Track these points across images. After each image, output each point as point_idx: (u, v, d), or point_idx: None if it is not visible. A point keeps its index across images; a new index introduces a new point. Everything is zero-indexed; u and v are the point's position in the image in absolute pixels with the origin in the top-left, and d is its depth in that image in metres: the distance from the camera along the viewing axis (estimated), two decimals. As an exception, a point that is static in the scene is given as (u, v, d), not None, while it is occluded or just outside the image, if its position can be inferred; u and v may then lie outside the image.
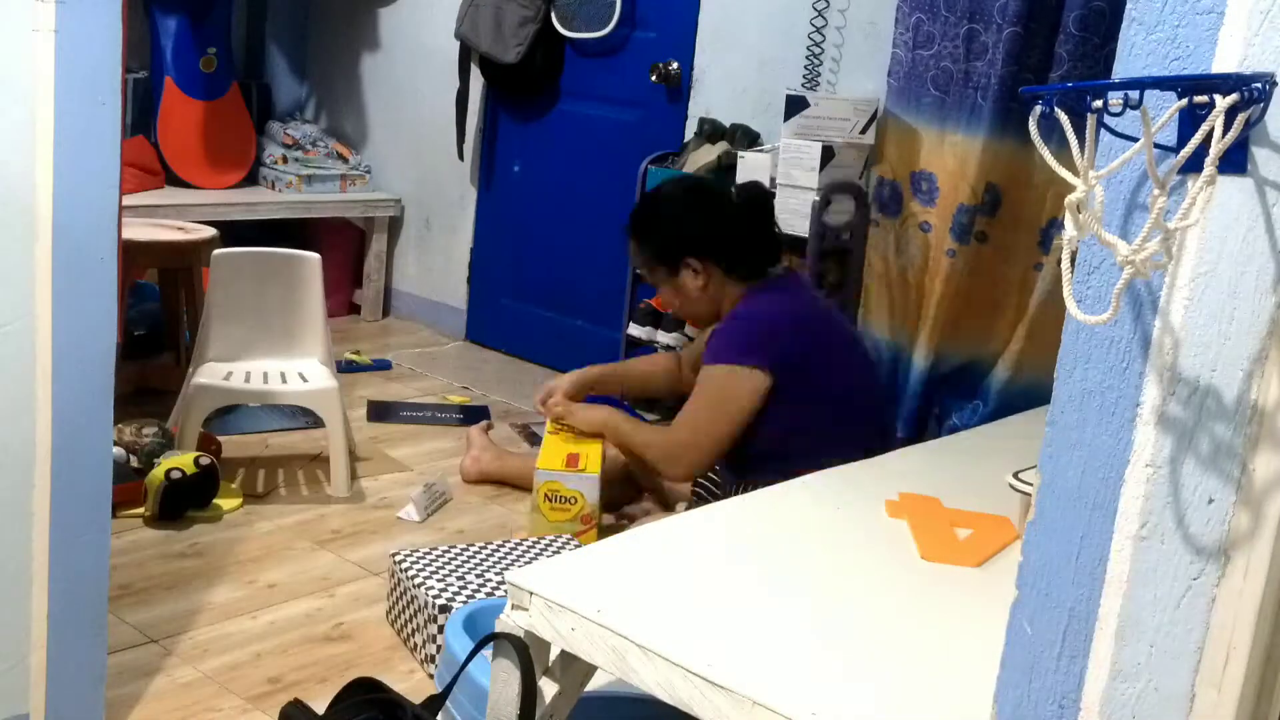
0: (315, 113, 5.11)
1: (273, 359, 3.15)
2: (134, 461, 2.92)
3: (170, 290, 3.71)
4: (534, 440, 3.65)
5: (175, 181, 4.51)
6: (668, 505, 2.92)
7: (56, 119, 1.61)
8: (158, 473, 2.77)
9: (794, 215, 3.21)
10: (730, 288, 2.65)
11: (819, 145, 3.13)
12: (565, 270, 4.35)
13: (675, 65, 3.94)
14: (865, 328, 3.29)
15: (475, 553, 2.49)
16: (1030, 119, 0.87)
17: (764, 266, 2.69)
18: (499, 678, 1.44)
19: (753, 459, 2.58)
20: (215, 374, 3.01)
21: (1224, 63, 0.88)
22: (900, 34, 3.14)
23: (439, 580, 2.31)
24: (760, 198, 2.79)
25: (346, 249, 4.85)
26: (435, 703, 1.61)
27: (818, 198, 3.15)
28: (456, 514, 3.05)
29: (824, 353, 2.62)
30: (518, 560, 2.48)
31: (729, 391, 2.54)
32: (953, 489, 1.95)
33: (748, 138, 3.58)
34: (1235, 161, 0.89)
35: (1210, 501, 0.93)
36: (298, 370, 3.12)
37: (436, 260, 4.81)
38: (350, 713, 1.61)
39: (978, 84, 3.04)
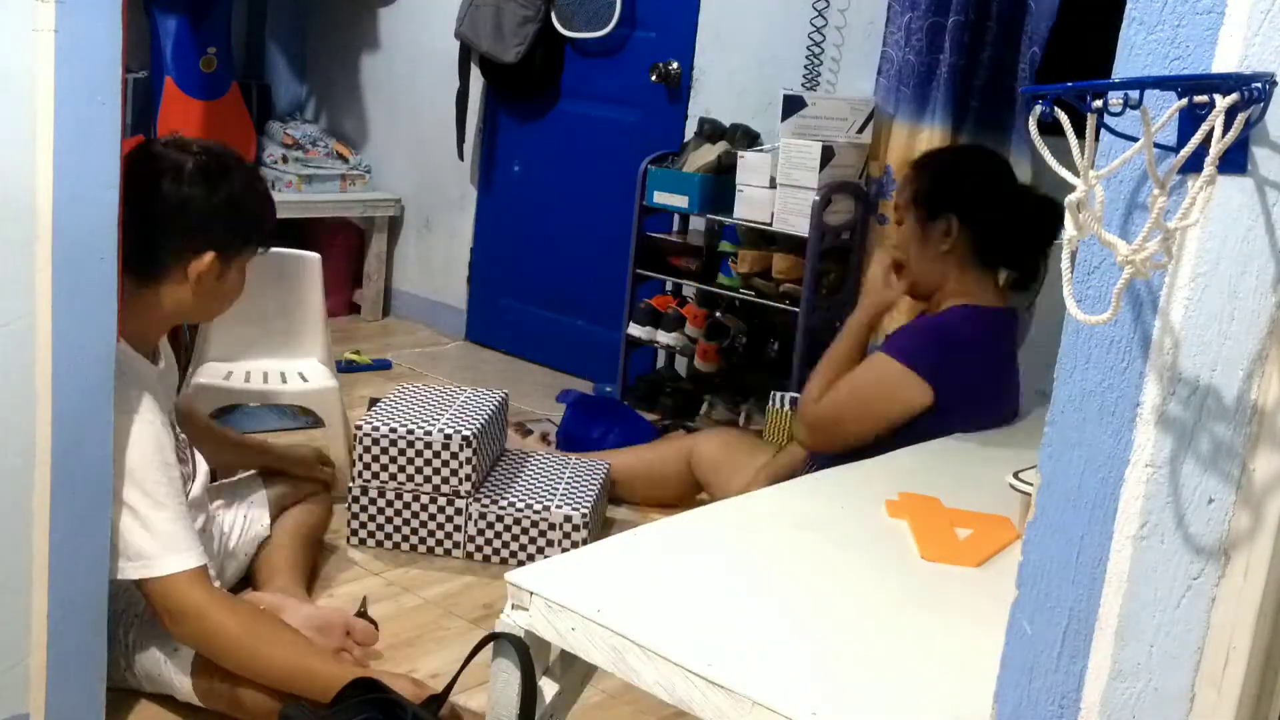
0: (315, 113, 5.10)
1: (273, 359, 3.15)
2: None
3: (170, 290, 3.70)
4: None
5: (175, 181, 4.50)
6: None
7: (56, 119, 1.61)
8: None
9: (794, 215, 3.21)
10: (962, 273, 2.46)
11: (819, 145, 3.13)
12: (565, 270, 4.35)
13: (675, 65, 3.94)
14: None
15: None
16: (1030, 119, 0.87)
17: (1007, 265, 2.52)
18: (499, 678, 1.44)
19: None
20: (215, 374, 3.01)
21: (1224, 62, 0.88)
22: (891, 33, 3.15)
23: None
24: (1052, 216, 2.45)
25: (346, 249, 4.85)
26: (435, 702, 1.61)
27: (818, 197, 3.15)
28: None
29: (993, 399, 2.47)
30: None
31: (889, 387, 2.38)
32: (953, 489, 1.95)
33: (748, 138, 3.58)
34: (1235, 161, 0.89)
35: (1210, 501, 0.93)
36: (298, 370, 3.12)
37: (436, 260, 4.81)
38: (350, 713, 1.61)
39: (941, 78, 3.06)
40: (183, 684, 2.00)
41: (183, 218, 1.97)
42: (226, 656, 1.91)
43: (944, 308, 2.49)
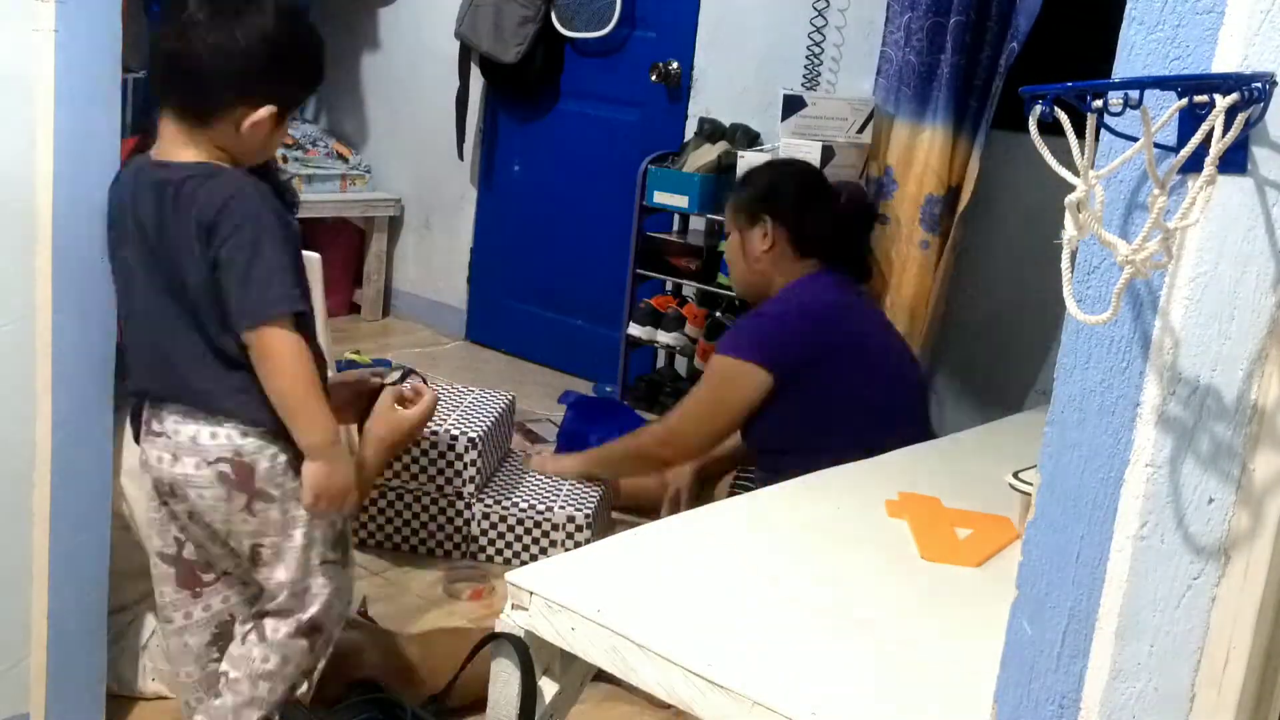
0: (315, 113, 5.10)
1: (273, 359, 3.14)
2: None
3: (170, 290, 3.70)
4: (533, 439, 3.65)
5: (175, 181, 4.50)
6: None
7: (56, 119, 1.61)
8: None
9: (794, 215, 3.20)
10: (787, 266, 2.63)
11: (819, 145, 3.13)
12: (565, 270, 4.35)
13: (675, 65, 3.94)
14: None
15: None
16: (1030, 118, 0.87)
17: (826, 255, 2.66)
18: (499, 678, 1.44)
19: (772, 455, 2.59)
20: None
21: (1224, 62, 0.88)
22: (891, 33, 3.15)
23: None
24: (865, 205, 2.85)
25: (346, 249, 4.85)
26: (435, 702, 1.61)
27: (817, 197, 3.15)
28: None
29: (837, 355, 2.56)
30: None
31: (728, 383, 2.55)
32: (953, 489, 1.95)
33: (747, 137, 3.58)
34: (1235, 161, 0.89)
35: (1210, 501, 0.93)
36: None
37: (436, 260, 4.81)
38: (350, 713, 1.61)
39: (941, 77, 3.07)
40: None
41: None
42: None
43: (779, 290, 2.66)
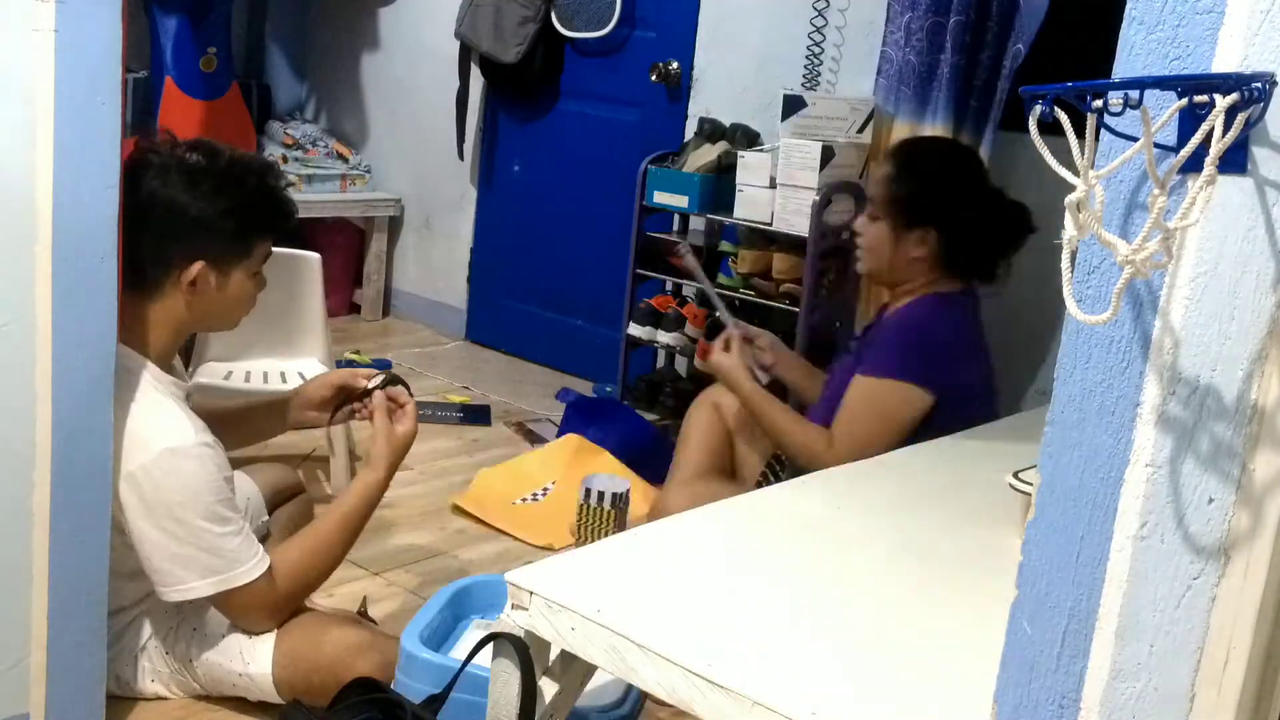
0: (315, 113, 5.10)
1: (272, 359, 3.15)
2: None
3: (170, 290, 3.70)
4: (532, 439, 3.65)
5: (175, 181, 4.50)
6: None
7: (56, 119, 1.61)
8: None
9: (794, 215, 3.21)
10: (931, 276, 2.48)
11: (819, 145, 3.13)
12: (565, 270, 4.35)
13: (675, 65, 3.94)
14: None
15: None
16: (1030, 118, 0.87)
17: (975, 275, 2.55)
18: (499, 678, 1.44)
19: None
20: (215, 374, 3.02)
21: (1224, 62, 0.88)
22: (891, 33, 3.15)
23: None
24: (1024, 222, 2.58)
25: (346, 249, 4.85)
26: (435, 702, 1.61)
27: (818, 197, 3.15)
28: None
29: (982, 382, 2.53)
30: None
31: (893, 408, 2.40)
32: (953, 489, 1.95)
33: (748, 137, 3.58)
34: (1235, 161, 0.89)
35: (1210, 501, 0.93)
36: (297, 370, 3.12)
37: (436, 260, 4.81)
38: (350, 713, 1.61)
39: (941, 77, 3.07)
40: (263, 684, 2.01)
41: (167, 224, 1.88)
42: (308, 590, 2.06)
43: (905, 301, 2.51)
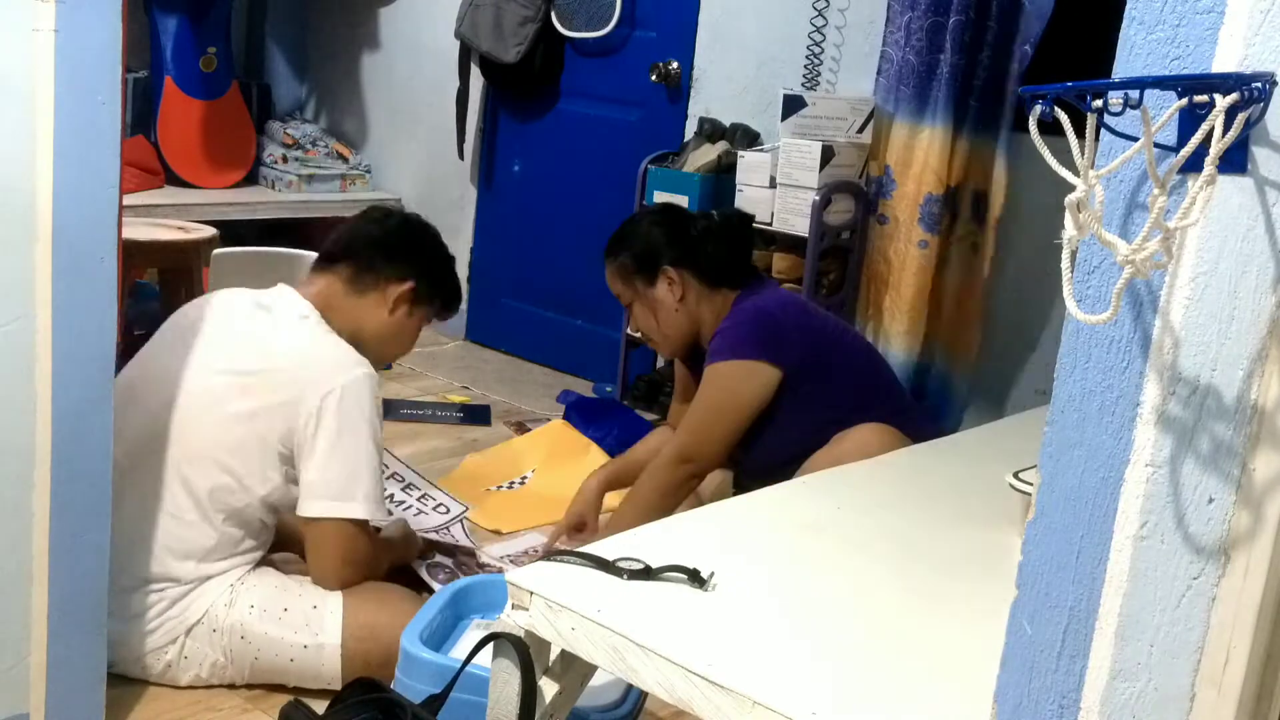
0: (315, 112, 5.11)
1: (273, 359, 3.15)
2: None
3: (170, 290, 3.71)
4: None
5: (175, 181, 4.50)
6: None
7: (56, 119, 1.61)
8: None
9: (794, 215, 3.21)
10: (711, 299, 2.64)
11: (819, 145, 3.13)
12: (565, 270, 4.35)
13: (675, 65, 3.94)
14: (865, 325, 3.31)
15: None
16: (1030, 118, 0.87)
17: (741, 278, 2.68)
18: (499, 678, 1.44)
19: (783, 467, 2.47)
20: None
21: (1224, 62, 0.88)
22: (891, 33, 3.16)
23: None
24: (739, 215, 2.81)
25: (347, 249, 4.84)
26: (435, 702, 1.61)
27: (818, 197, 3.15)
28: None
29: (829, 342, 2.62)
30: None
31: (734, 387, 2.52)
32: (953, 489, 1.95)
33: (748, 137, 3.58)
34: (1235, 161, 0.89)
35: (1210, 501, 0.93)
36: (298, 370, 3.12)
37: (436, 260, 4.81)
38: (350, 713, 1.61)
39: (941, 77, 3.07)
40: (329, 657, 2.07)
41: (404, 251, 2.31)
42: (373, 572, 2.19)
43: (719, 315, 2.63)
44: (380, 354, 2.29)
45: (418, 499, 2.78)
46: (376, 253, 2.27)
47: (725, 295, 2.65)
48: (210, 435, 2.07)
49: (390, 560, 2.30)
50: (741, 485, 2.72)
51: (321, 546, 2.11)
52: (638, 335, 2.81)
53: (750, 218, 2.88)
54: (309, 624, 2.07)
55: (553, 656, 1.47)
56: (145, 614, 2.04)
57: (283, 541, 2.31)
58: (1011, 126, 3.08)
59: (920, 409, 2.98)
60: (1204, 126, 0.85)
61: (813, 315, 2.70)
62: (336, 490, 2.06)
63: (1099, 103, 0.85)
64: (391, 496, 2.73)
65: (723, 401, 2.53)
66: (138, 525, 2.04)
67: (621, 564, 1.48)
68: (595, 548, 1.58)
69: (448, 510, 2.75)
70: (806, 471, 2.40)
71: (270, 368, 2.10)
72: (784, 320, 2.59)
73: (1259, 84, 0.86)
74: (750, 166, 3.33)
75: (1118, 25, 0.93)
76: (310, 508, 2.07)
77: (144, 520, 2.05)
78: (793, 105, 3.23)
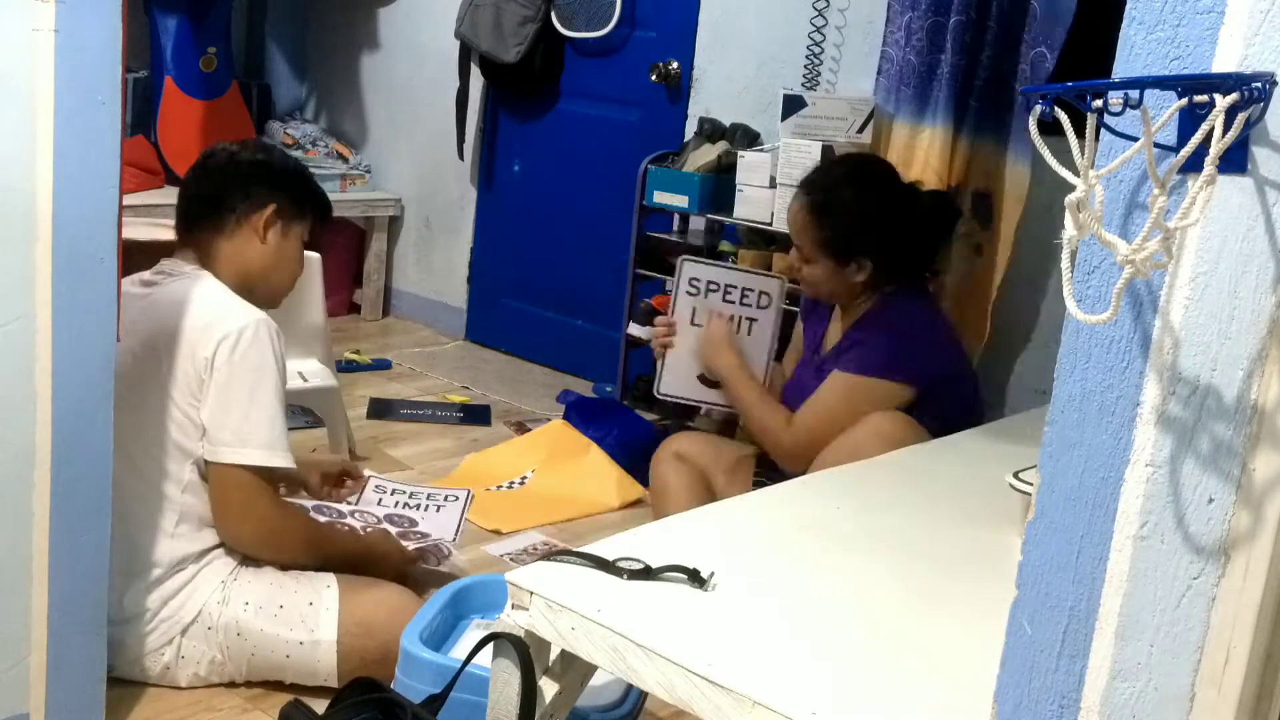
0: (315, 112, 5.10)
1: (272, 359, 3.15)
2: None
3: (170, 290, 3.70)
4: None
5: (175, 181, 4.48)
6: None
7: (56, 119, 1.61)
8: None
9: (794, 215, 3.20)
10: (878, 286, 2.56)
11: (819, 145, 3.13)
12: (565, 270, 4.35)
13: (675, 65, 3.94)
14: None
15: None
16: (1030, 118, 0.87)
17: (920, 272, 2.64)
18: (499, 678, 1.44)
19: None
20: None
21: (1224, 62, 0.88)
22: (891, 33, 3.15)
23: None
24: (949, 210, 2.70)
25: (346, 249, 4.85)
26: (435, 702, 1.61)
27: (818, 197, 3.14)
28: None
29: (959, 369, 2.60)
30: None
31: (867, 405, 2.43)
32: (953, 489, 1.95)
33: (748, 137, 3.58)
34: (1235, 161, 0.89)
35: (1210, 501, 0.93)
36: (297, 370, 3.11)
37: (436, 260, 4.81)
38: (350, 713, 1.61)
39: (941, 77, 3.07)
40: (324, 654, 2.08)
41: (258, 170, 2.28)
42: (290, 549, 2.16)
43: (870, 305, 2.57)
44: (273, 288, 2.31)
45: (423, 504, 2.73)
46: (227, 191, 2.25)
47: (894, 283, 2.57)
48: (137, 411, 2.05)
49: (348, 553, 2.27)
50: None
51: (219, 496, 2.09)
52: (791, 270, 2.70)
53: (955, 209, 2.75)
54: (304, 620, 2.08)
55: (553, 656, 1.47)
56: (140, 616, 2.04)
57: None
58: (1024, 129, 3.06)
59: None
60: (1204, 126, 0.85)
61: (945, 331, 2.64)
62: (230, 436, 2.05)
63: (1099, 103, 0.85)
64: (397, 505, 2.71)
65: (844, 417, 2.43)
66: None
67: (621, 564, 1.48)
68: (595, 548, 1.58)
69: (456, 499, 2.74)
70: (823, 459, 2.39)
71: (165, 329, 2.07)
72: (926, 339, 2.54)
73: (1259, 84, 0.86)
74: (750, 166, 3.32)
75: (1118, 25, 0.93)
76: (208, 453, 2.07)
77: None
78: (793, 105, 3.23)
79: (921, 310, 2.60)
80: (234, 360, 2.04)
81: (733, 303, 2.73)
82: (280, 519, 2.14)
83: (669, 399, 2.76)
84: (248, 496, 2.08)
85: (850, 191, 2.56)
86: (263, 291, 2.22)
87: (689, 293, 2.72)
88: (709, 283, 2.72)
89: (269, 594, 2.09)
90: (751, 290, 2.74)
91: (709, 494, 2.74)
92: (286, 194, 2.30)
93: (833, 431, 2.42)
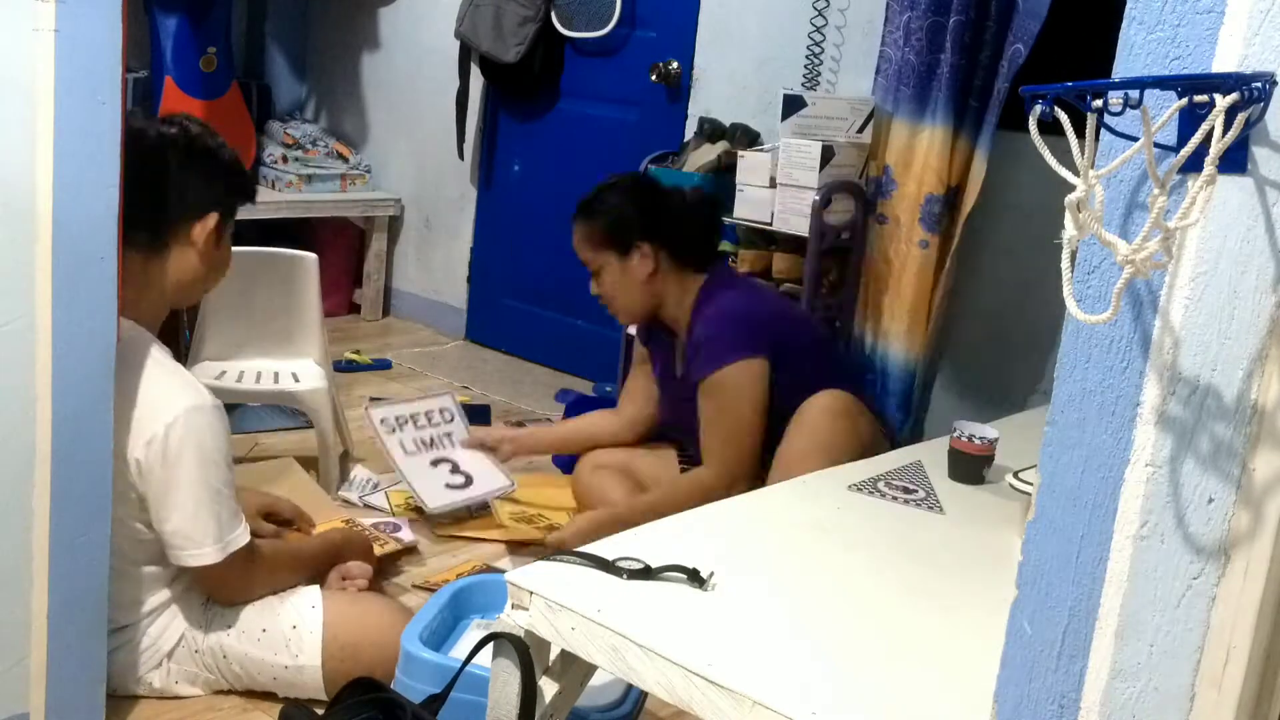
0: (315, 112, 5.10)
1: (268, 359, 3.15)
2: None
3: (170, 290, 3.70)
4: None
5: (175, 181, 4.49)
6: None
7: (56, 119, 1.61)
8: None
9: (794, 215, 3.21)
10: (679, 278, 2.71)
11: (819, 145, 3.13)
12: (565, 270, 4.33)
13: (675, 65, 3.94)
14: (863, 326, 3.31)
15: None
16: (1030, 118, 0.87)
17: (711, 258, 2.76)
18: (499, 678, 1.44)
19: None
20: (209, 373, 3.01)
21: (1224, 62, 0.88)
22: (890, 33, 3.15)
23: None
24: (708, 197, 2.91)
25: (346, 249, 4.85)
26: (435, 702, 1.61)
27: (818, 197, 3.15)
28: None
29: (796, 330, 2.71)
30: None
31: (743, 391, 2.57)
32: (953, 489, 1.95)
33: (748, 137, 3.57)
34: (1235, 161, 0.89)
35: (1210, 501, 0.93)
36: (291, 370, 3.12)
37: (436, 260, 4.81)
38: (350, 713, 1.61)
39: (941, 77, 3.07)
40: (310, 678, 2.05)
41: (187, 183, 2.02)
42: (284, 582, 2.11)
43: (687, 304, 2.71)
44: (206, 288, 2.18)
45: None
46: (159, 201, 1.98)
47: (693, 278, 2.71)
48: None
49: (319, 559, 2.26)
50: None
51: (203, 586, 2.05)
52: (597, 298, 2.86)
53: (718, 200, 2.97)
54: (288, 645, 2.04)
55: (553, 656, 1.47)
56: (123, 647, 2.01)
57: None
58: (995, 125, 3.06)
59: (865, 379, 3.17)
60: (1204, 126, 0.85)
61: (774, 301, 2.81)
62: (183, 540, 1.95)
63: (1099, 103, 0.85)
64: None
65: (740, 408, 2.57)
66: None
67: (621, 564, 1.48)
68: (595, 548, 1.58)
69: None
70: (782, 452, 2.51)
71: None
72: (757, 311, 2.66)
73: (1259, 84, 0.86)
74: (750, 166, 3.32)
75: (1118, 25, 0.93)
76: (174, 558, 1.98)
77: None
78: (793, 105, 3.23)
79: (738, 290, 2.72)
80: (167, 462, 1.91)
81: (424, 427, 2.94)
82: (267, 573, 2.08)
83: (442, 512, 2.83)
84: (223, 579, 2.01)
85: (608, 190, 2.78)
86: (194, 293, 2.12)
87: (389, 432, 2.90)
88: (397, 418, 2.92)
89: (250, 618, 2.05)
90: (433, 411, 2.98)
91: (639, 486, 2.85)
92: (229, 188, 2.08)
93: (743, 435, 2.56)
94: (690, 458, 2.80)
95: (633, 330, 3.67)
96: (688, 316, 2.71)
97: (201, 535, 1.95)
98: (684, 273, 2.71)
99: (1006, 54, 3.00)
